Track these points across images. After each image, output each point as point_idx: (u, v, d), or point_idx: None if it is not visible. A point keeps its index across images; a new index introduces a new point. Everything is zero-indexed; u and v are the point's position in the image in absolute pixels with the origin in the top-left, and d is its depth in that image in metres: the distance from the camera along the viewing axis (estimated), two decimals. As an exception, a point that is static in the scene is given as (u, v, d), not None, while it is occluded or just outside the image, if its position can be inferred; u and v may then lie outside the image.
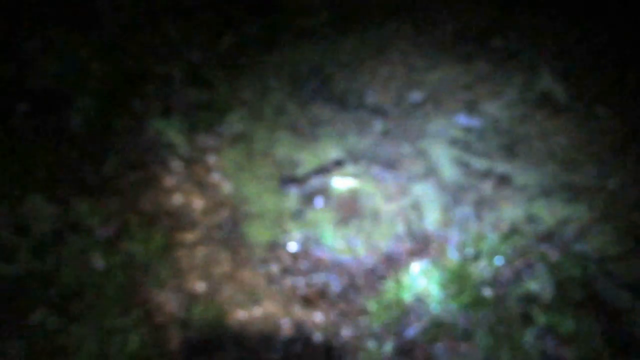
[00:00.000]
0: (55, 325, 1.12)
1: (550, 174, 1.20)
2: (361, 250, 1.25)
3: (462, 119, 1.19)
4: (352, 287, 1.24)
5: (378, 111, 1.23)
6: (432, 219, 1.25)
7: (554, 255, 1.24)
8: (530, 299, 1.20)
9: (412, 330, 1.17)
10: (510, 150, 1.19)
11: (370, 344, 1.16)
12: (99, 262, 1.19)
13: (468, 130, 1.19)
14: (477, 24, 1.23)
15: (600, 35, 1.30)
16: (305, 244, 1.28)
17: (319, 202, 1.27)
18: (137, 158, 1.30)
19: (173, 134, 1.30)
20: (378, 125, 1.23)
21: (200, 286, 1.21)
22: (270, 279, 1.24)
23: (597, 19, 1.30)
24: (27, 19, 1.37)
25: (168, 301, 1.18)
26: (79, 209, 1.23)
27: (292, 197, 1.32)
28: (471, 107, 1.17)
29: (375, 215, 1.28)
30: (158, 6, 1.32)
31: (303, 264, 1.26)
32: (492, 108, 1.17)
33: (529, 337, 1.16)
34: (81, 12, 1.35)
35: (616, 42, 1.30)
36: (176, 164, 1.32)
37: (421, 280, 1.20)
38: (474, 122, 1.15)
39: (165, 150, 1.31)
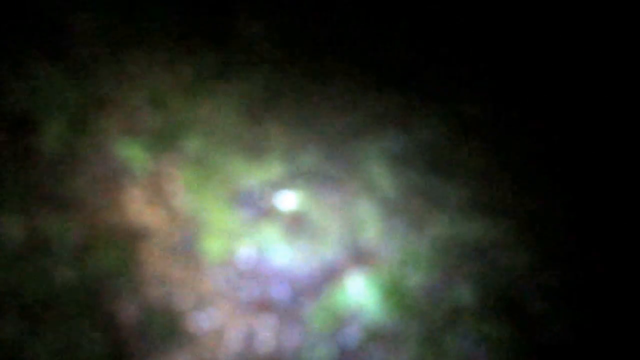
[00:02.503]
0: (20, 338, 1.20)
1: (478, 193, 1.31)
2: (305, 262, 1.36)
3: (398, 141, 1.30)
4: (296, 296, 1.34)
5: (323, 132, 1.34)
6: (371, 233, 1.36)
7: (481, 268, 1.35)
8: (458, 308, 1.31)
9: (351, 338, 1.28)
10: (441, 170, 1.30)
11: (311, 350, 1.26)
12: (64, 276, 1.29)
13: (404, 151, 1.30)
14: (404, 61, 1.36)
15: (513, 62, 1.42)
16: (255, 256, 1.38)
17: (267, 216, 1.37)
18: (102, 177, 1.39)
19: (136, 154, 1.39)
20: (323, 145, 1.34)
21: (157, 296, 1.31)
22: (223, 289, 1.34)
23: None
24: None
25: (127, 311, 1.28)
26: (47, 225, 1.33)
27: (245, 211, 1.42)
28: (405, 131, 1.28)
29: (319, 229, 1.39)
30: (124, 37, 1.43)
31: (253, 274, 1.36)
32: (424, 132, 1.28)
33: (456, 342, 1.27)
34: (51, 40, 1.45)
35: (532, 68, 1.41)
36: (138, 183, 1.42)
37: (360, 291, 1.31)
38: (409, 143, 1.26)
39: (128, 169, 1.40)
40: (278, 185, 1.41)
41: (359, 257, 1.33)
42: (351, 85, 1.45)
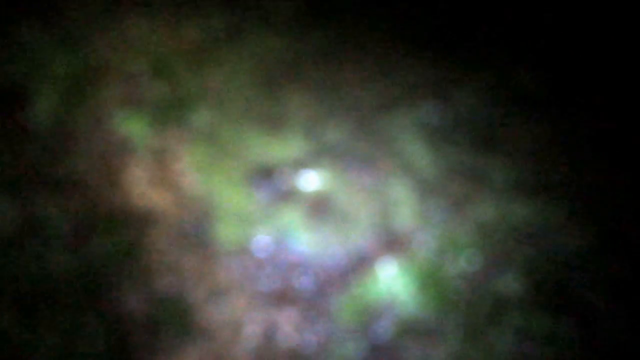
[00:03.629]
0: (19, 327, 1.13)
1: (526, 171, 1.21)
2: (332, 249, 1.27)
3: (435, 113, 1.18)
4: (322, 287, 1.25)
5: (351, 104, 1.23)
6: (405, 216, 1.26)
7: (529, 254, 1.25)
8: (504, 299, 1.22)
9: (383, 331, 1.19)
10: (485, 146, 1.20)
11: (339, 345, 1.18)
12: (62, 263, 1.20)
13: (443, 125, 1.19)
14: (455, 22, 1.24)
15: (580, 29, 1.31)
16: (274, 243, 1.30)
17: (288, 199, 1.28)
18: (101, 155, 1.31)
19: (138, 129, 1.30)
20: (351, 118, 1.23)
21: (167, 286, 1.23)
22: (238, 278, 1.26)
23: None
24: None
25: (133, 302, 1.20)
26: (43, 208, 1.24)
27: (262, 193, 1.33)
28: (445, 102, 1.16)
29: (347, 213, 1.30)
30: (121, 1, 1.32)
31: (272, 263, 1.28)
32: (466, 104, 1.17)
33: (502, 338, 1.18)
34: (42, 7, 1.35)
35: (596, 39, 1.30)
36: (141, 161, 1.33)
37: (392, 280, 1.21)
38: (449, 116, 1.15)
39: (130, 146, 1.32)
40: (300, 163, 1.32)
41: (392, 243, 1.23)
42: (384, 49, 1.31)
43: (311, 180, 1.32)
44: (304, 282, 1.24)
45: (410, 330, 1.19)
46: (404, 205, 1.25)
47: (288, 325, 1.20)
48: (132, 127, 1.31)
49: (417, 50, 1.27)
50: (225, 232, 1.30)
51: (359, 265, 1.23)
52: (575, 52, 1.28)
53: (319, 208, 1.29)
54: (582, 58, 1.28)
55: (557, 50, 1.26)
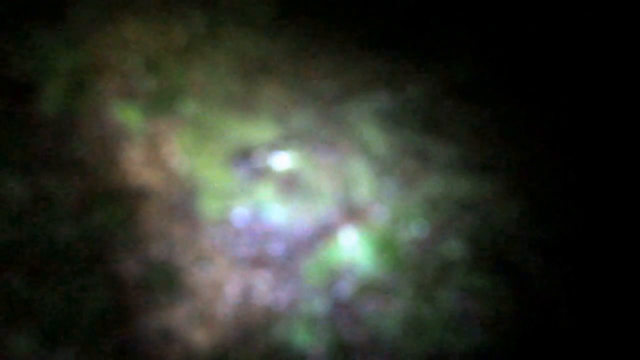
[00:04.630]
0: (25, 292, 1.25)
1: (468, 152, 1.32)
2: (300, 220, 1.38)
3: (388, 101, 1.31)
4: (291, 253, 1.37)
5: (316, 93, 1.35)
6: (363, 191, 1.39)
7: (471, 223, 1.37)
8: (449, 262, 1.34)
9: (345, 291, 1.31)
10: (431, 130, 1.31)
11: (307, 303, 1.30)
12: (67, 232, 1.33)
13: (395, 111, 1.32)
14: (405, 23, 1.36)
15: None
16: (251, 214, 1.42)
17: (262, 176, 1.40)
18: (100, 139, 1.43)
19: (133, 117, 1.42)
20: (316, 105, 1.35)
21: (157, 252, 1.35)
22: (220, 245, 1.38)
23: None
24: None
25: (129, 266, 1.33)
26: (49, 185, 1.37)
27: (240, 172, 1.45)
28: (396, 92, 1.29)
29: (313, 189, 1.42)
30: (118, 4, 1.44)
31: (249, 232, 1.40)
32: (414, 93, 1.29)
33: (448, 295, 1.30)
34: (48, 7, 1.47)
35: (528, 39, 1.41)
36: (136, 144, 1.45)
37: (353, 246, 1.34)
38: (400, 103, 1.28)
39: (126, 132, 1.43)
40: (272, 146, 1.43)
41: (352, 214, 1.35)
42: (344, 46, 1.45)
43: (282, 161, 1.45)
44: (276, 249, 1.37)
45: (368, 289, 1.31)
46: (362, 181, 1.37)
47: (262, 285, 1.33)
48: (127, 115, 1.43)
49: (372, 48, 1.40)
50: (209, 206, 1.42)
51: (324, 233, 1.36)
52: (507, 46, 1.40)
53: (289, 184, 1.42)
54: (514, 52, 1.40)
55: (491, 45, 1.39)
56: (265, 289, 1.31)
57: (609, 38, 1.41)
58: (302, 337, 1.26)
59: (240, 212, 1.38)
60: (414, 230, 1.31)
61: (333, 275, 1.30)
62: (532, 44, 1.34)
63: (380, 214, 1.34)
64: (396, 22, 1.36)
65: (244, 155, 1.45)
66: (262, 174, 1.43)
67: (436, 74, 1.34)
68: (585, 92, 1.36)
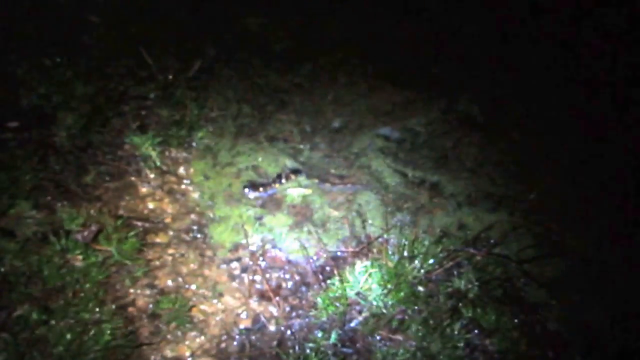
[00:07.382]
0: (37, 319, 1.21)
1: (476, 185, 1.34)
2: (311, 251, 1.40)
3: (396, 134, 1.33)
4: (302, 284, 1.38)
5: (328, 126, 1.37)
6: (373, 223, 1.40)
7: (479, 257, 1.39)
8: (457, 295, 1.35)
9: (354, 322, 1.31)
10: (437, 163, 1.34)
11: (318, 334, 1.29)
12: (78, 262, 1.31)
13: (404, 145, 1.34)
14: (416, 57, 1.41)
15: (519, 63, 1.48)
16: (263, 246, 1.43)
17: (275, 208, 1.41)
18: (114, 169, 1.45)
19: (147, 147, 1.44)
20: (328, 138, 1.36)
21: (168, 282, 1.34)
22: (232, 276, 1.37)
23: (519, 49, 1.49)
24: (19, 45, 1.50)
25: (139, 296, 1.31)
26: (61, 214, 1.36)
27: (253, 203, 1.47)
28: (404, 126, 1.32)
29: (324, 221, 1.44)
30: (136, 37, 1.47)
31: (260, 263, 1.40)
32: (421, 127, 1.32)
33: (456, 328, 1.31)
34: (68, 39, 1.49)
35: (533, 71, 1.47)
36: (150, 175, 1.46)
37: (363, 278, 1.34)
38: (409, 137, 1.30)
39: (140, 162, 1.46)
40: (285, 177, 1.47)
41: (363, 246, 1.37)
42: (355, 81, 1.49)
43: (294, 192, 1.46)
44: (287, 279, 1.37)
45: (378, 321, 1.31)
46: (373, 213, 1.39)
47: (274, 316, 1.32)
48: (142, 146, 1.44)
49: (382, 82, 1.44)
50: (221, 236, 1.42)
51: (335, 264, 1.37)
52: (510, 84, 1.44)
53: (301, 215, 1.43)
54: (517, 89, 1.44)
55: (493, 81, 1.43)
56: (276, 319, 1.31)
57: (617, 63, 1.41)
58: (313, 369, 1.25)
59: (252, 242, 1.39)
60: (423, 264, 1.33)
61: (343, 307, 1.30)
62: (540, 82, 1.38)
63: (391, 247, 1.36)
64: (403, 58, 1.40)
65: (256, 186, 1.48)
66: (275, 204, 1.46)
67: (444, 110, 1.37)
68: (593, 123, 1.36)
